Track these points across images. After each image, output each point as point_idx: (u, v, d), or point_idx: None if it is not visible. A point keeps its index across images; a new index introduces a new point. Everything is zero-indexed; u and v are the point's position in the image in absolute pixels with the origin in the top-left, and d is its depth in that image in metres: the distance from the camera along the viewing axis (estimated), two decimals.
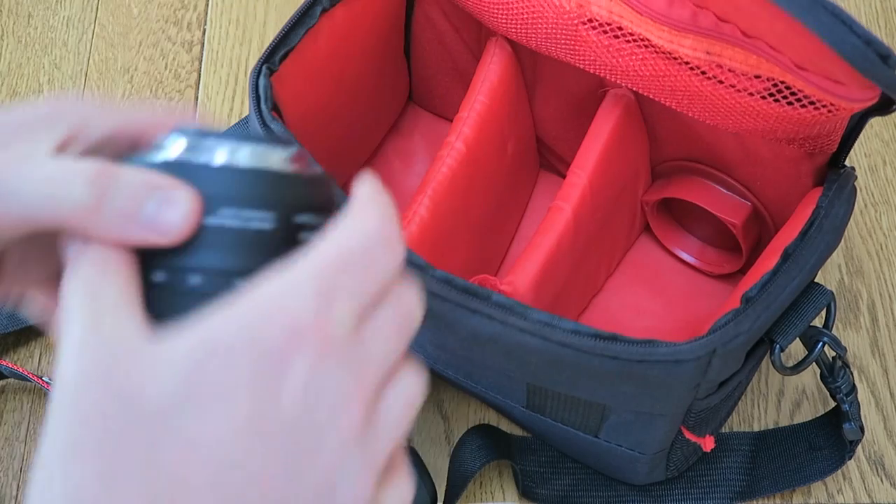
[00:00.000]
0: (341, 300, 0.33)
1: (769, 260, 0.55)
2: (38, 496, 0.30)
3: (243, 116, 0.80)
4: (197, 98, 0.82)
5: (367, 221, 0.34)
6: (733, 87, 0.54)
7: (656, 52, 0.56)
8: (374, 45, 0.67)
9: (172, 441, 0.30)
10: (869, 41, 0.46)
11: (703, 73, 0.55)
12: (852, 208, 0.57)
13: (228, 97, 0.82)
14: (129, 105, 0.38)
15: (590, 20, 0.57)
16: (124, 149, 0.37)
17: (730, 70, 0.54)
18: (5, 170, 0.33)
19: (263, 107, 0.57)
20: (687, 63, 0.55)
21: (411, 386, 0.35)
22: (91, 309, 0.31)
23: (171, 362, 0.31)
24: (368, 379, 0.33)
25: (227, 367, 0.31)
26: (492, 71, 0.67)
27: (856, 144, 0.57)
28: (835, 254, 0.66)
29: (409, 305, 0.36)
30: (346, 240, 0.34)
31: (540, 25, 0.60)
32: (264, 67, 0.57)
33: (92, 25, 0.85)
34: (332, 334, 0.32)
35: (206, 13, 0.85)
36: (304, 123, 0.61)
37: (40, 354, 0.72)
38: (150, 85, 0.82)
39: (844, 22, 0.46)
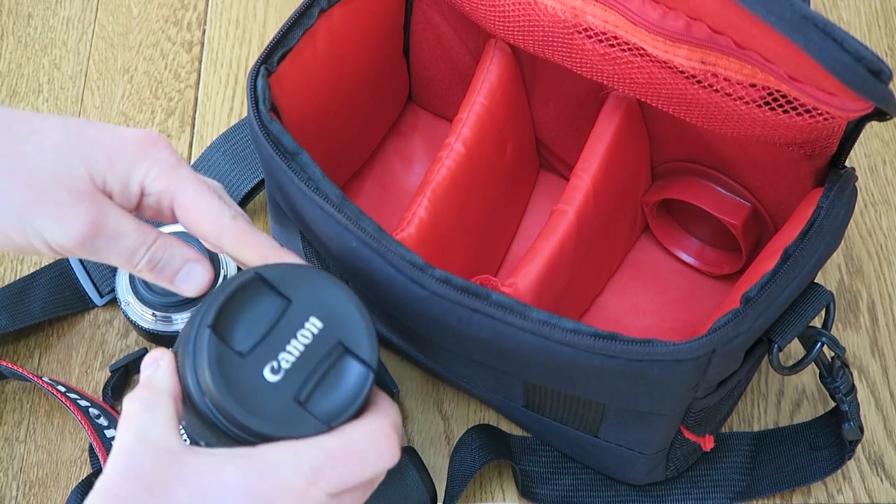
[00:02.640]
0: (325, 481, 0.46)
1: (769, 260, 0.55)
2: None
3: (243, 117, 0.80)
4: (197, 98, 0.82)
5: (376, 435, 0.48)
6: (729, 95, 0.54)
7: (652, 61, 0.56)
8: (373, 46, 0.67)
9: None
10: (860, 57, 0.45)
11: (699, 81, 0.55)
12: (853, 209, 0.57)
13: (228, 97, 0.82)
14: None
15: (585, 29, 0.57)
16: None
17: (725, 79, 0.54)
18: (110, 218, 0.52)
19: (262, 107, 0.57)
20: (682, 72, 0.55)
21: None
22: (142, 421, 0.47)
23: (195, 474, 0.45)
24: None
25: (227, 497, 0.45)
26: (491, 72, 0.67)
27: (855, 144, 0.57)
28: (835, 254, 0.66)
29: (375, 485, 0.50)
30: (352, 441, 0.47)
31: (536, 32, 0.60)
32: (262, 68, 0.57)
33: (92, 25, 0.85)
34: (312, 498, 0.46)
35: (206, 13, 0.86)
36: (302, 124, 0.61)
37: (40, 354, 0.72)
38: (150, 85, 0.82)
39: (835, 39, 0.45)
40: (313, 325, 0.49)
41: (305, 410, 0.47)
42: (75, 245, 0.51)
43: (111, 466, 0.46)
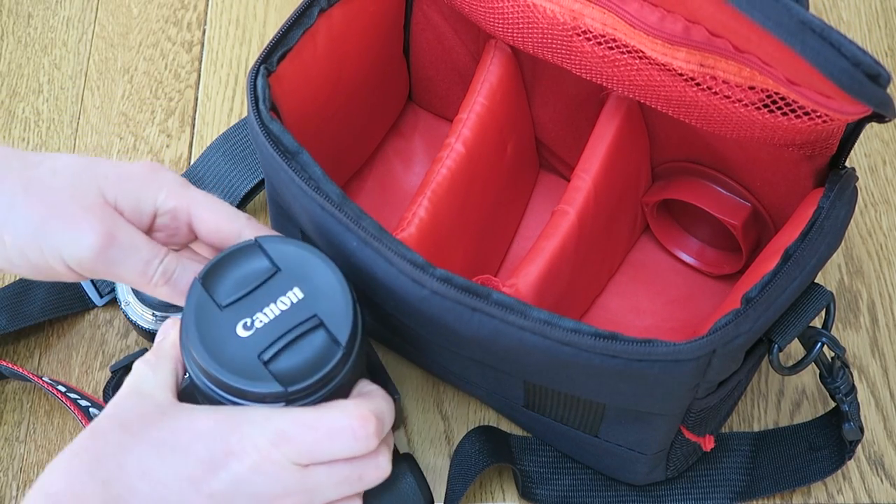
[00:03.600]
0: (289, 447, 0.49)
1: (769, 260, 0.55)
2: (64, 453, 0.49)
3: (243, 117, 0.80)
4: (197, 98, 0.82)
5: (350, 414, 0.50)
6: (728, 97, 0.54)
7: (651, 64, 0.56)
8: (373, 46, 0.67)
9: (141, 463, 0.48)
10: (858, 62, 0.45)
11: (698, 84, 0.55)
12: (853, 210, 0.57)
13: (228, 97, 0.82)
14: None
15: (584, 32, 0.57)
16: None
17: (724, 81, 0.54)
18: (122, 231, 0.54)
19: (262, 107, 0.57)
20: (681, 74, 0.55)
21: None
22: (143, 376, 0.52)
23: (172, 421, 0.49)
24: (298, 495, 0.50)
25: (194, 444, 0.49)
26: (491, 72, 0.67)
27: (855, 145, 0.57)
28: (835, 254, 0.66)
29: (365, 479, 0.52)
30: (323, 415, 0.50)
31: (535, 34, 0.60)
32: (262, 68, 0.57)
33: (92, 25, 0.85)
34: (273, 460, 0.49)
35: (206, 13, 0.86)
36: (302, 123, 0.61)
37: (40, 354, 0.72)
38: (150, 85, 0.82)
39: (833, 44, 0.45)
40: (294, 294, 0.52)
41: (266, 369, 0.50)
42: (91, 257, 0.53)
43: (106, 407, 0.50)
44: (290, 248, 0.53)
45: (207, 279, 0.52)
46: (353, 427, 0.50)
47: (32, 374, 0.67)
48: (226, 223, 0.56)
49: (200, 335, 0.51)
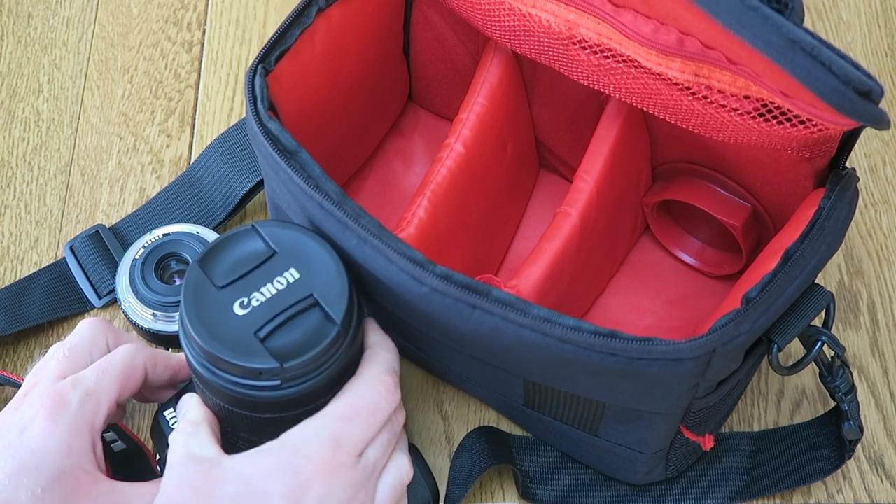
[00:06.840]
0: (347, 442, 0.51)
1: (769, 261, 0.55)
2: None
3: (243, 117, 0.80)
4: (197, 98, 0.82)
5: (374, 384, 0.53)
6: (723, 106, 0.54)
7: (646, 73, 0.56)
8: (371, 46, 0.67)
9: None
10: (848, 80, 0.44)
11: (693, 93, 0.55)
12: (854, 210, 0.56)
13: (228, 97, 0.82)
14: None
15: (579, 41, 0.58)
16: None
17: (719, 91, 0.54)
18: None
19: (260, 107, 0.57)
20: (676, 84, 0.55)
21: (398, 469, 0.55)
22: (185, 442, 0.53)
23: (237, 473, 0.51)
24: (366, 483, 0.52)
25: (271, 484, 0.50)
26: (491, 73, 0.67)
27: (855, 145, 0.57)
28: (835, 254, 0.66)
29: (397, 426, 0.55)
30: (356, 399, 0.53)
31: (531, 41, 0.61)
32: (260, 67, 0.57)
33: (92, 25, 0.85)
34: (341, 464, 0.51)
35: (206, 13, 0.86)
36: (301, 123, 0.61)
37: (40, 356, 0.72)
38: (150, 85, 0.82)
39: (823, 63, 0.44)
40: (291, 275, 0.53)
41: (262, 345, 0.51)
42: None
43: (165, 481, 0.51)
44: (286, 231, 0.55)
45: (205, 262, 0.53)
46: (380, 393, 0.53)
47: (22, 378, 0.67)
48: (134, 381, 0.58)
49: (198, 313, 0.52)
